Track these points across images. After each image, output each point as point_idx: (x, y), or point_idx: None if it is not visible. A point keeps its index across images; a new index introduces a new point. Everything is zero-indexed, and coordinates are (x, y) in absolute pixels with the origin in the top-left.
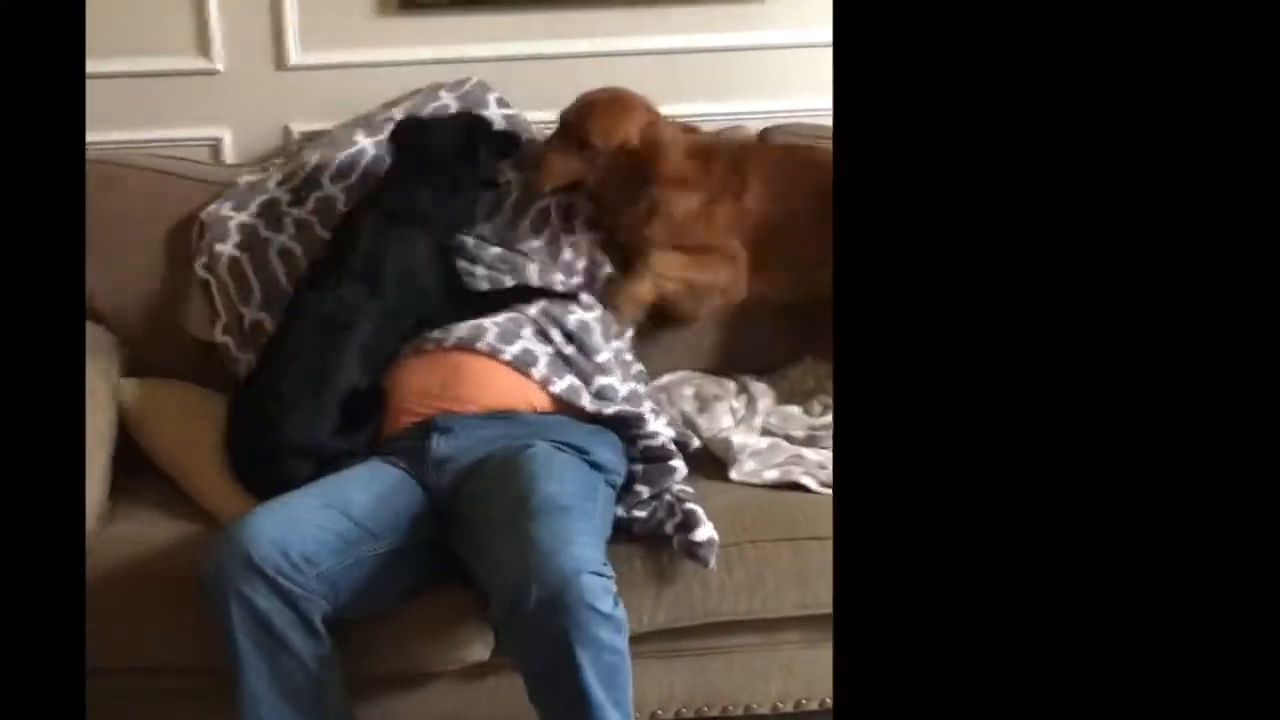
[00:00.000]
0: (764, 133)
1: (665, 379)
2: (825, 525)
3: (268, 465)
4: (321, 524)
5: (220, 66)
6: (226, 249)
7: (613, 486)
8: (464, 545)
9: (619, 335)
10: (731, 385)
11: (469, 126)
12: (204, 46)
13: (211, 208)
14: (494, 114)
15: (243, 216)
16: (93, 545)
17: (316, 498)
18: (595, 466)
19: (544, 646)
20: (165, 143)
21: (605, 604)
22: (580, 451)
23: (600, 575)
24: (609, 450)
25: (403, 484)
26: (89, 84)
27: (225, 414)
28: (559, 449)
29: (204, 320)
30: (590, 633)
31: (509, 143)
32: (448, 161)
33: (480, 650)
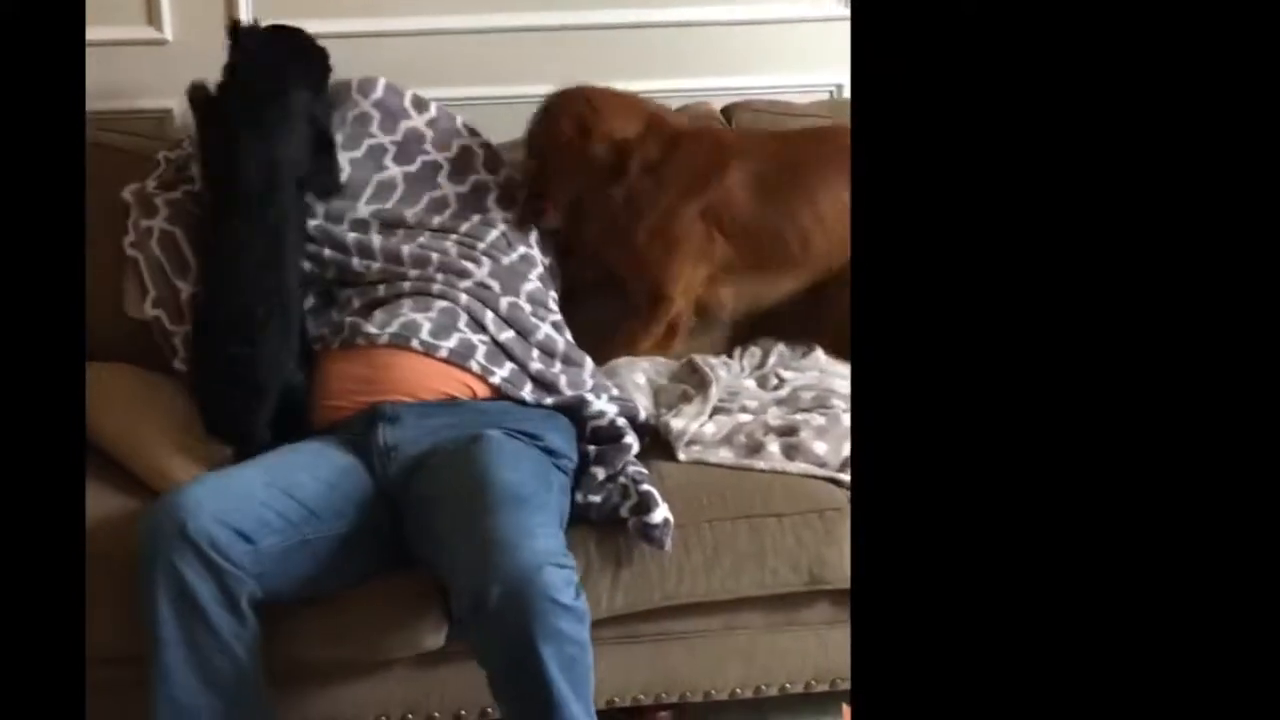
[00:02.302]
0: (726, 109)
1: (616, 362)
2: (782, 503)
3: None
4: (265, 501)
5: (169, 36)
6: (156, 223)
7: (565, 472)
8: (419, 537)
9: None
10: (684, 369)
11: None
12: (153, 15)
13: (134, 186)
14: (412, 115)
15: (171, 193)
16: None
17: (262, 475)
18: (548, 452)
19: (506, 641)
20: (112, 114)
21: (567, 596)
22: (532, 438)
23: (562, 567)
24: (560, 436)
25: (351, 470)
26: None
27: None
28: (511, 436)
29: (136, 299)
30: (552, 626)
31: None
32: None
33: (434, 638)
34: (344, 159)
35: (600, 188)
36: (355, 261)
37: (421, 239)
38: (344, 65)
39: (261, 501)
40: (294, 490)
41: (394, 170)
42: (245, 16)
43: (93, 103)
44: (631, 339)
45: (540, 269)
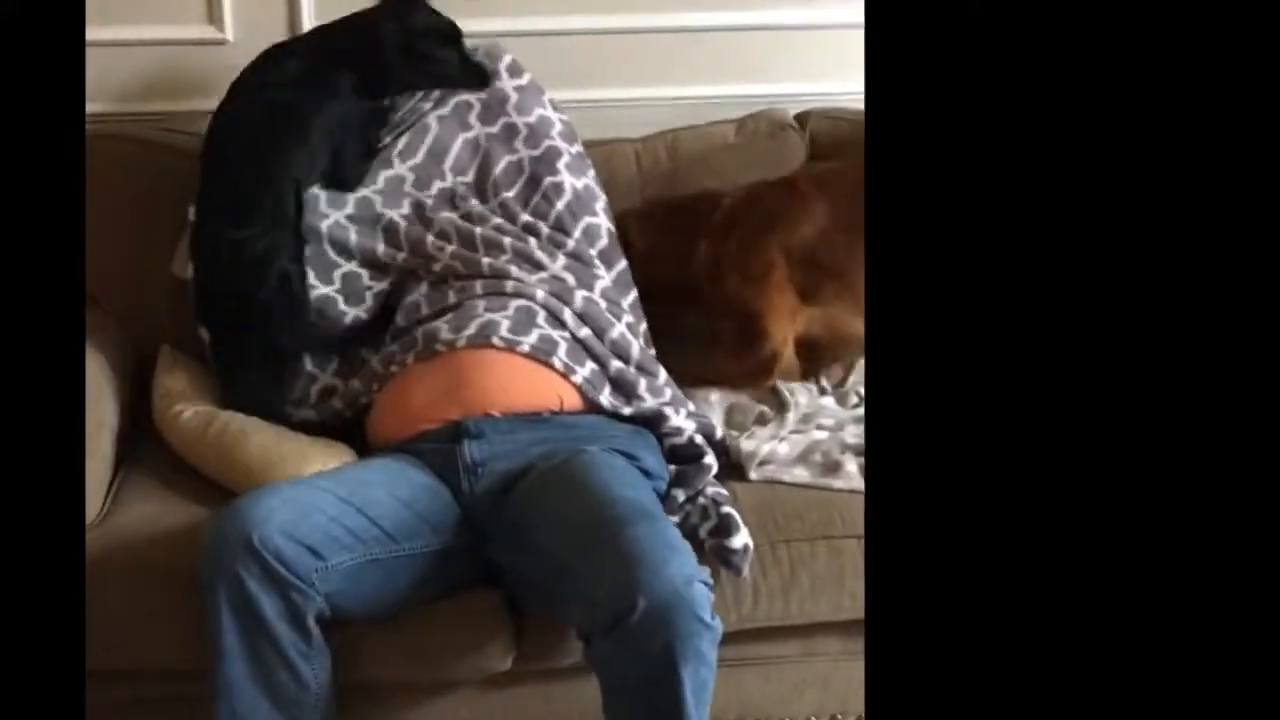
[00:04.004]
0: (801, 116)
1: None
2: (862, 524)
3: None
4: (335, 516)
5: (230, 37)
6: None
7: (660, 494)
8: (520, 558)
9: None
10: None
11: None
12: (214, 14)
13: None
14: (504, 77)
15: None
16: (92, 536)
17: (336, 490)
18: (644, 473)
19: (645, 659)
20: (169, 115)
21: (708, 614)
22: (629, 457)
23: (705, 583)
24: (653, 456)
25: (431, 489)
26: (92, 52)
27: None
28: (610, 454)
29: (182, 260)
30: (694, 645)
31: (473, 75)
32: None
33: (501, 661)
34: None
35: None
36: (430, 242)
37: (496, 220)
38: None
39: (332, 517)
40: (368, 508)
41: (477, 130)
42: (307, 17)
43: (153, 102)
44: (723, 375)
45: (616, 264)
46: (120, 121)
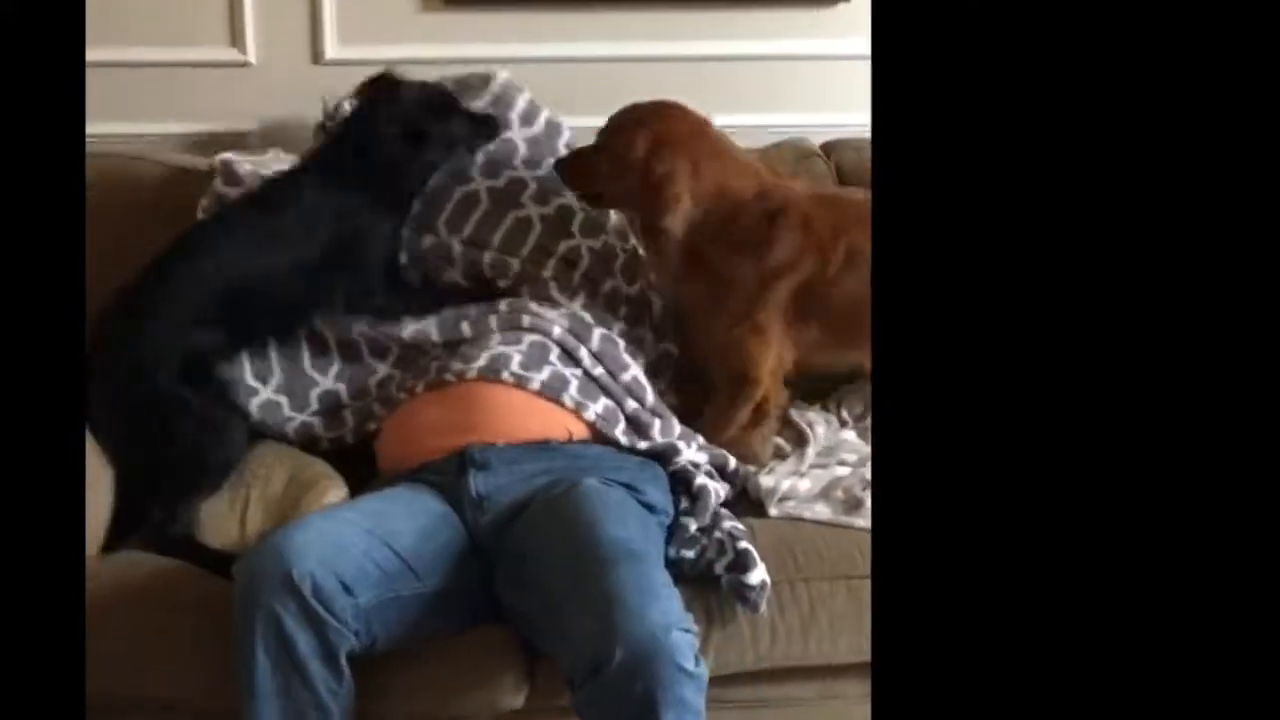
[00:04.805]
0: (826, 146)
1: None
2: None
3: None
4: (366, 551)
5: (253, 59)
6: (233, 193)
7: (663, 528)
8: (519, 592)
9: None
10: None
11: (432, 103)
12: (237, 37)
13: (230, 155)
14: (515, 118)
15: (260, 171)
16: (94, 568)
17: (362, 522)
18: (647, 507)
19: (627, 708)
20: (192, 137)
21: (691, 662)
22: (630, 489)
23: (687, 630)
24: (658, 489)
25: (446, 518)
26: (113, 72)
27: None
28: (609, 485)
29: None
30: (676, 694)
31: (483, 129)
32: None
33: (513, 698)
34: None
35: (648, 220)
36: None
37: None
38: None
39: (363, 551)
40: (392, 540)
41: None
42: (329, 42)
43: (173, 124)
44: (715, 423)
45: (631, 307)
46: (140, 142)
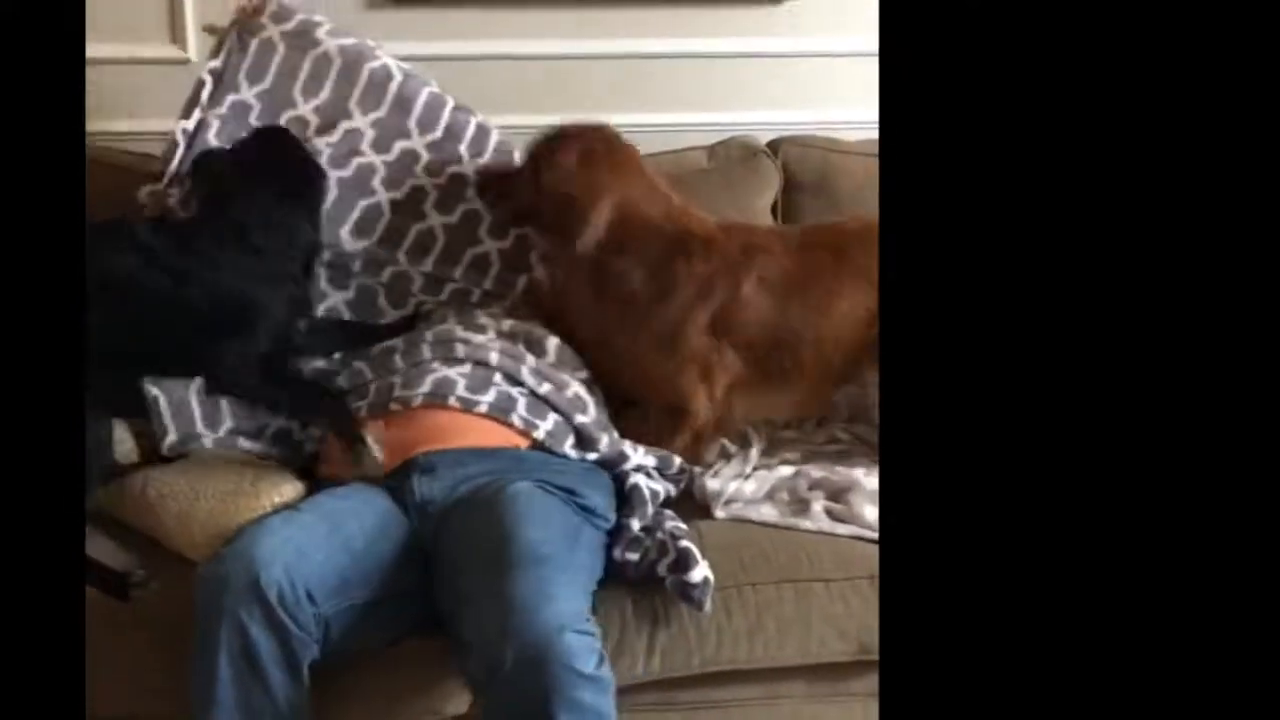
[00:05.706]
0: (773, 144)
1: None
2: (830, 567)
3: None
4: (327, 558)
5: (193, 55)
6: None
7: (601, 531)
8: (444, 594)
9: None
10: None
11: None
12: (176, 34)
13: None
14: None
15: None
16: None
17: (320, 526)
18: (584, 510)
19: (520, 710)
20: (132, 135)
21: (588, 664)
22: (569, 493)
23: (583, 633)
24: (600, 494)
25: (393, 518)
26: None
27: None
28: (545, 489)
29: None
30: (571, 696)
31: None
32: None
33: (455, 703)
34: (333, 177)
35: (558, 244)
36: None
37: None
38: None
39: (324, 558)
40: (347, 544)
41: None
42: None
43: (113, 121)
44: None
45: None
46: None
